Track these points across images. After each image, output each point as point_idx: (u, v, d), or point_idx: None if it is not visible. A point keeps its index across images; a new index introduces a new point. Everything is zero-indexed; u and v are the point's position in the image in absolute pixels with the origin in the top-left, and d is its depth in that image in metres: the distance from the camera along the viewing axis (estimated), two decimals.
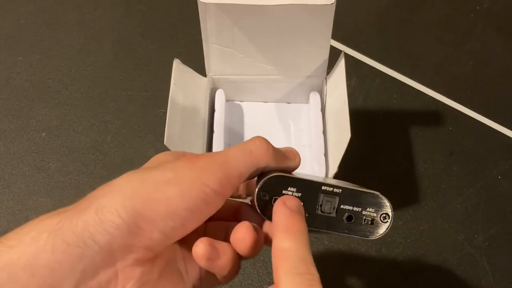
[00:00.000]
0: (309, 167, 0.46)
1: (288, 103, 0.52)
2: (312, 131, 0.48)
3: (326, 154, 0.47)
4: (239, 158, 0.26)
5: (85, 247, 0.21)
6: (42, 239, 0.21)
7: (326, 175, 0.44)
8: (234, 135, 0.50)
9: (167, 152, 0.28)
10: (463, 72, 0.61)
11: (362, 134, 0.53)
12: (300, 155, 0.29)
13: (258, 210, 0.27)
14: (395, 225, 0.50)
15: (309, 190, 0.27)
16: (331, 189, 0.27)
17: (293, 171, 0.29)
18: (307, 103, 0.52)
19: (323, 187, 0.27)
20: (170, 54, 0.61)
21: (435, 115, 0.58)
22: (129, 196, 0.23)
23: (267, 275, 0.47)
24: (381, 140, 0.56)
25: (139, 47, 0.62)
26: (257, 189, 0.26)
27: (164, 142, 0.38)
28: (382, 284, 0.48)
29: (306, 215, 0.27)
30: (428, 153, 0.55)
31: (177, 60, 0.43)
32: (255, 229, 0.26)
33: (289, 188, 0.27)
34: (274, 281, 0.23)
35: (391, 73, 0.61)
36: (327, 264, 0.48)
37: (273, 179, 0.27)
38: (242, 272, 0.47)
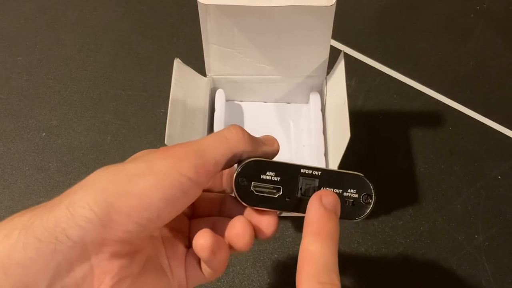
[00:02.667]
0: None
1: (288, 103, 0.52)
2: (312, 131, 0.48)
3: (326, 154, 0.47)
4: (214, 146, 0.25)
5: (58, 243, 0.21)
6: (13, 237, 0.21)
7: None
8: None
9: (146, 150, 0.28)
10: (463, 72, 0.61)
11: (362, 134, 0.53)
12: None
13: (237, 197, 0.26)
14: (395, 225, 0.50)
15: (288, 173, 0.26)
16: (310, 171, 0.26)
17: (273, 157, 0.29)
18: (307, 103, 0.52)
19: (302, 170, 0.26)
20: (170, 54, 0.61)
21: (435, 115, 0.58)
22: (101, 189, 0.22)
23: (267, 275, 0.47)
24: (381, 140, 0.56)
25: (139, 47, 0.62)
26: (235, 175, 0.26)
27: (165, 142, 0.38)
28: (382, 284, 0.48)
29: (287, 199, 0.26)
30: (428, 153, 0.55)
31: (178, 59, 0.43)
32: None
33: (267, 173, 0.26)
34: (296, 282, 0.23)
35: (391, 73, 0.61)
36: None
37: (251, 163, 0.26)
38: (242, 272, 0.47)
